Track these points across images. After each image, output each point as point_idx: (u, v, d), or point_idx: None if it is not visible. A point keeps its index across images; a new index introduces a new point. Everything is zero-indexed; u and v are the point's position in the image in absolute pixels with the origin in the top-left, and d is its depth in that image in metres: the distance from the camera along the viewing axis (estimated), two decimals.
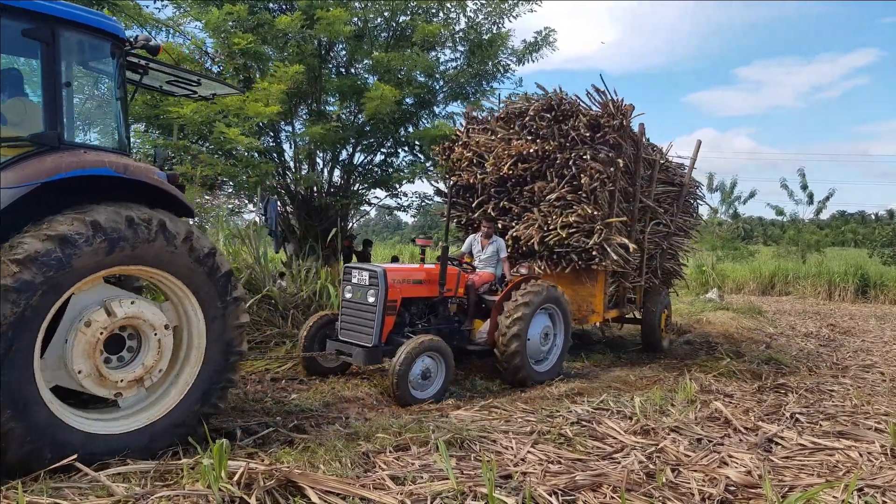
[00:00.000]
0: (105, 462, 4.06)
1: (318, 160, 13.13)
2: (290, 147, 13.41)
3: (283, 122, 13.00)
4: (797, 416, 6.36)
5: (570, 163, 8.84)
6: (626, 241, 8.98)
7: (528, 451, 4.80)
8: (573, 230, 8.77)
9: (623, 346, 11.43)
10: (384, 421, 5.52)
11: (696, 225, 12.71)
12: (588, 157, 8.73)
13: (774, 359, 9.66)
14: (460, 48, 13.07)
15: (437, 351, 6.75)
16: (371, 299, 7.01)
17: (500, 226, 9.32)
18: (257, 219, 12.89)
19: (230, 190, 13.39)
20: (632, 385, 7.80)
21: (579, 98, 9.24)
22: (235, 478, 3.65)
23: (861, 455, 5.15)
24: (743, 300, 20.39)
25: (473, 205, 9.69)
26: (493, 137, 9.54)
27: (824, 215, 36.46)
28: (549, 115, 9.11)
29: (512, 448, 4.88)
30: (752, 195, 33.99)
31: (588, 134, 8.83)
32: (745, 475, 4.53)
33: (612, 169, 8.74)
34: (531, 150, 9.00)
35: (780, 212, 34.32)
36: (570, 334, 8.45)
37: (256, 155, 12.64)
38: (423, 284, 7.50)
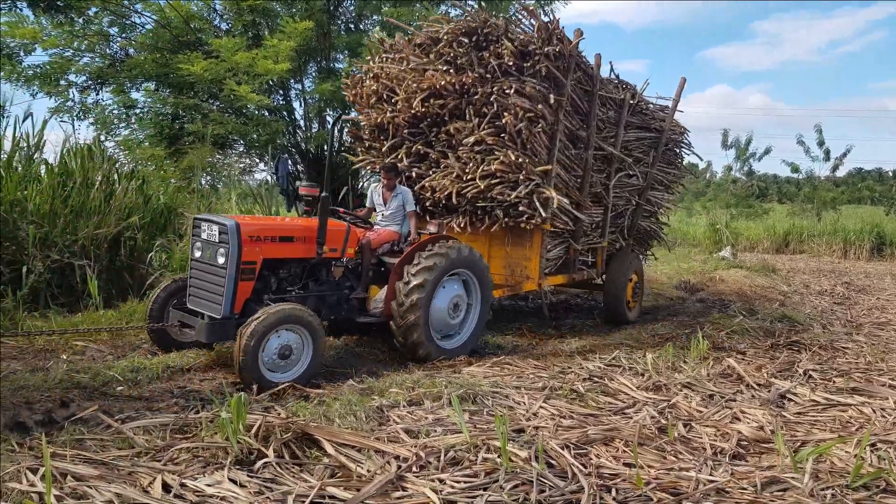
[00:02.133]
0: (128, 415, 4.14)
1: (328, 118, 13.04)
2: (300, 105, 13.33)
3: (292, 80, 12.89)
4: (810, 372, 6.37)
5: (491, 99, 7.35)
6: (556, 195, 7.40)
7: (541, 406, 4.84)
8: (495, 181, 7.38)
9: (582, 314, 10.34)
10: (397, 376, 5.58)
11: (681, 178, 11.04)
12: (512, 91, 7.25)
13: (788, 316, 9.63)
14: (470, 2, 12.83)
15: (298, 323, 5.37)
16: (221, 260, 5.59)
17: (414, 174, 7.98)
18: (269, 178, 12.89)
19: (241, 149, 13.37)
20: (643, 342, 7.81)
21: (513, 22, 7.76)
22: (253, 430, 3.72)
23: (874, 411, 5.16)
24: (756, 258, 20.28)
25: (383, 150, 8.26)
26: (405, 67, 7.97)
27: (840, 172, 35.95)
28: (466, 41, 7.53)
29: (524, 403, 4.93)
30: (767, 152, 33.45)
31: (514, 63, 7.28)
32: (758, 430, 4.56)
33: (540, 106, 7.22)
34: (443, 84, 7.51)
35: (795, 169, 33.82)
36: (488, 305, 7.16)
37: (267, 113, 12.57)
38: (294, 243, 6.03)
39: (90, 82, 12.94)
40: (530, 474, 3.50)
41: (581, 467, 3.69)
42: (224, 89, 10.90)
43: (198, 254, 5.88)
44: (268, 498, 3.16)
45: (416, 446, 3.86)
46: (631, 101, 8.87)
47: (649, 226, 10.37)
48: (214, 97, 12.39)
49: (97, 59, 12.83)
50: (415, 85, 7.73)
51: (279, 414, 4.23)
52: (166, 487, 3.16)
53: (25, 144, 7.91)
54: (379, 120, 8.14)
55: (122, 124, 12.99)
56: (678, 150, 10.50)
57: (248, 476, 3.35)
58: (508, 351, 7.31)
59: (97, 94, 13.07)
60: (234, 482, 3.27)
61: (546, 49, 7.19)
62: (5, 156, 7.60)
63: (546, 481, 3.48)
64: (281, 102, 13.19)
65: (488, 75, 7.39)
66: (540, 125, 7.28)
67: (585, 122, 8.17)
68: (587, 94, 8.13)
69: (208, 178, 12.28)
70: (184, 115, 12.55)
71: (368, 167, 8.70)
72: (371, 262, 6.79)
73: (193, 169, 10.96)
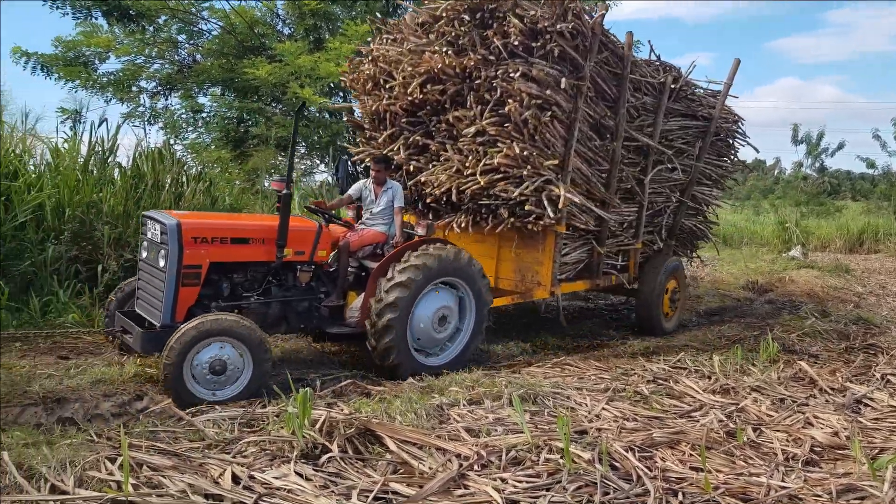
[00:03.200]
0: (198, 408, 4.29)
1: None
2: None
3: None
4: (888, 377, 6.08)
5: (494, 84, 6.44)
6: (567, 191, 6.43)
7: (603, 408, 4.77)
8: (498, 176, 6.50)
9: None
10: (457, 375, 5.58)
11: (733, 172, 9.88)
12: (517, 75, 6.30)
13: (863, 318, 9.21)
14: None
15: (233, 336, 4.70)
16: (162, 262, 5.03)
17: (412, 167, 7.18)
18: (329, 178, 13.10)
19: (303, 150, 13.64)
20: (710, 344, 7.60)
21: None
22: (317, 425, 3.79)
23: None
24: (828, 258, 19.49)
25: (380, 139, 7.50)
26: (403, 49, 7.10)
27: None
28: (468, 18, 6.64)
29: (586, 404, 4.87)
30: (840, 147, 32.27)
31: (521, 43, 6.38)
32: (832, 436, 4.38)
33: (549, 92, 6.28)
34: (440, 67, 6.65)
35: (871, 164, 32.39)
36: (483, 318, 6.28)
37: (328, 115, 12.78)
38: (250, 245, 5.37)
39: (160, 88, 13.45)
40: (594, 476, 3.45)
41: (646, 470, 3.63)
42: (287, 92, 11.16)
43: (144, 254, 5.39)
44: (332, 492, 3.21)
45: (477, 445, 3.86)
46: (673, 86, 7.84)
47: (695, 225, 9.32)
48: (278, 100, 12.70)
49: (166, 66, 13.34)
50: (411, 68, 6.90)
51: (342, 410, 4.30)
52: (235, 479, 3.25)
53: (100, 148, 8.26)
54: (375, 107, 7.36)
55: (190, 128, 13.47)
56: (731, 141, 9.35)
57: (313, 470, 3.41)
58: (569, 351, 7.23)
59: (166, 99, 13.58)
60: (301, 475, 3.33)
61: (559, 26, 6.26)
62: (82, 160, 7.94)
63: (610, 483, 3.43)
64: (342, 103, 13.42)
65: (492, 57, 6.52)
66: (551, 113, 6.40)
67: (614, 109, 7.22)
68: (616, 78, 7.17)
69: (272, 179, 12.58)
70: (248, 118, 12.91)
71: (367, 159, 7.78)
72: (351, 267, 6.08)
73: (257, 171, 11.24)
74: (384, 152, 7.24)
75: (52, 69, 12.67)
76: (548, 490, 3.33)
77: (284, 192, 5.48)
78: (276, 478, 3.28)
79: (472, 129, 6.58)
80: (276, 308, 5.62)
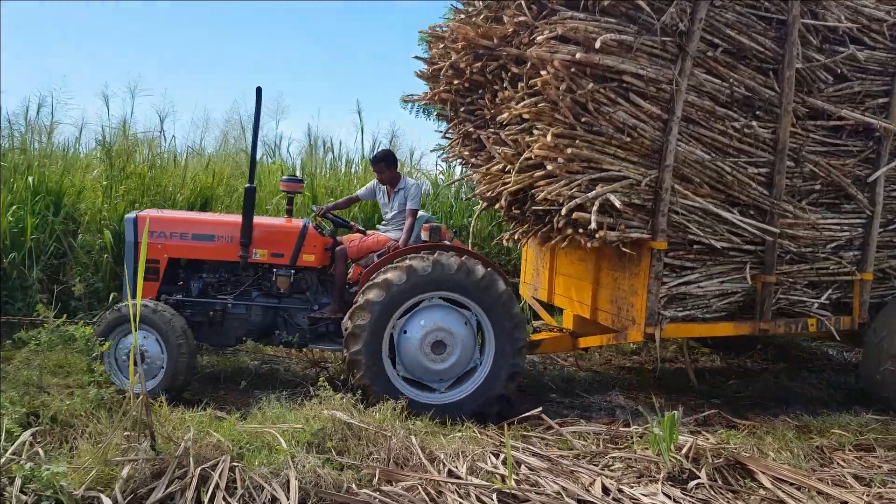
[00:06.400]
0: (564, 419, 4.60)
1: None
2: None
3: None
4: None
5: (528, 52, 4.72)
6: (617, 195, 4.59)
7: None
8: (540, 174, 4.81)
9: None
10: (840, 417, 5.01)
11: None
12: (544, 37, 4.55)
13: None
14: None
15: (148, 325, 4.68)
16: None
17: (470, 167, 6.01)
18: None
19: None
20: None
21: None
22: (683, 451, 3.75)
23: None
24: None
25: (443, 136, 6.40)
26: (467, 20, 5.55)
27: None
28: None
29: None
30: None
31: None
32: None
33: (599, 58, 4.44)
34: (472, 36, 5.25)
35: None
36: (512, 349, 4.89)
37: None
38: (214, 242, 5.19)
39: None
40: None
41: None
42: None
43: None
44: None
45: (868, 495, 3.46)
46: None
47: None
48: None
49: None
50: (454, 42, 5.57)
51: (707, 439, 4.18)
52: (605, 490, 3.40)
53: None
54: (434, 95, 6.04)
55: None
56: None
57: (681, 493, 3.40)
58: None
59: None
60: (669, 497, 3.35)
61: None
62: (454, 188, 9.00)
63: None
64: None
65: (536, 17, 4.82)
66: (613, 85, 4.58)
67: (777, 74, 5.02)
68: (769, 27, 4.97)
69: None
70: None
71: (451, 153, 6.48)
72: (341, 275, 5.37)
73: None
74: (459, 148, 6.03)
75: (431, 111, 14.65)
76: None
77: (248, 186, 5.20)
78: (645, 495, 3.35)
79: (506, 115, 5.07)
80: (257, 313, 5.31)
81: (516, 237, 5.91)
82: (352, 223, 5.71)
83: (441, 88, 5.87)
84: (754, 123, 4.97)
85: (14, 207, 6.74)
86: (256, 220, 5.25)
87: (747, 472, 3.70)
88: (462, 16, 5.62)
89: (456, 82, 5.64)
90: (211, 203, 7.73)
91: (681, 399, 5.48)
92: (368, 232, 5.65)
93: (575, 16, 4.49)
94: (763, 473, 3.62)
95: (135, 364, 4.15)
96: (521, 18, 4.84)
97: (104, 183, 7.48)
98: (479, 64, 5.35)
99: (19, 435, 3.32)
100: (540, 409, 4.59)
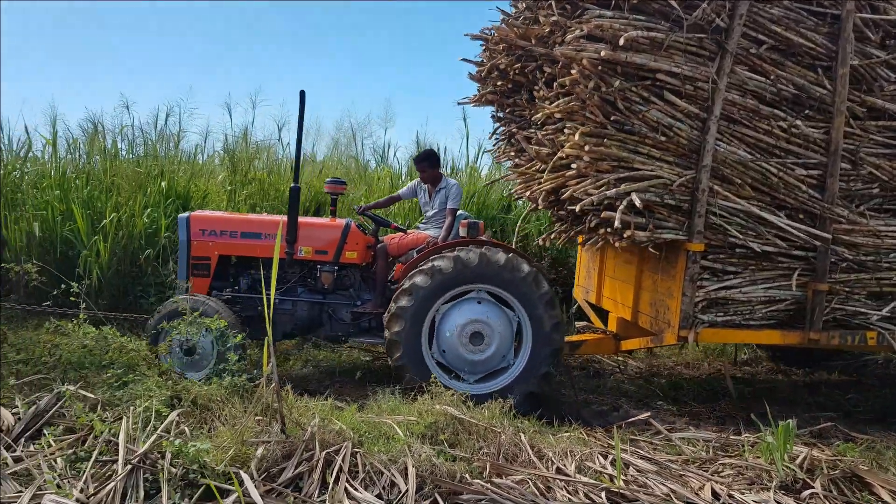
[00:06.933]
0: (672, 425, 4.60)
1: None
2: None
3: None
4: None
5: (556, 51, 4.73)
6: (643, 195, 4.49)
7: None
8: (571, 173, 4.78)
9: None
10: None
11: None
12: (572, 36, 4.54)
13: None
14: None
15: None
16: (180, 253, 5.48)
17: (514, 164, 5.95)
18: None
19: None
20: None
21: None
22: (797, 461, 3.69)
23: None
24: None
25: (490, 134, 6.31)
26: (510, 21, 5.53)
27: None
28: None
29: None
30: None
31: None
32: None
33: (627, 55, 4.38)
34: (510, 36, 5.30)
35: None
36: (546, 345, 5.01)
37: None
38: (261, 240, 5.38)
39: None
40: None
41: None
42: None
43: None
44: None
45: None
46: None
47: None
48: None
49: None
50: (496, 44, 5.58)
51: (822, 451, 4.09)
52: (715, 495, 3.40)
53: None
54: (481, 98, 6.06)
55: None
56: None
57: (794, 502, 3.36)
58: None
59: None
60: None
61: None
62: None
63: None
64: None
65: (559, 17, 4.78)
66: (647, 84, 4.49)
67: (829, 71, 4.75)
68: (822, 22, 4.72)
69: None
70: None
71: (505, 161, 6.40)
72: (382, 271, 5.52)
73: None
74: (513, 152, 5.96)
75: None
76: None
77: (293, 185, 5.36)
78: (756, 502, 3.33)
79: (539, 115, 5.12)
80: (303, 309, 5.50)
81: (552, 237, 5.90)
82: (391, 222, 5.93)
83: (487, 90, 5.92)
84: (800, 122, 4.73)
85: (149, 210, 7.33)
86: (301, 219, 5.49)
87: (865, 485, 3.60)
88: (508, 18, 5.61)
89: (500, 83, 5.70)
90: (324, 207, 8.14)
91: (794, 411, 5.34)
92: (408, 231, 5.84)
93: (603, 14, 4.47)
94: (882, 487, 3.51)
95: (188, 355, 4.85)
96: (555, 18, 4.80)
97: (228, 188, 8.03)
98: (518, 65, 5.38)
99: (167, 415, 3.68)
100: (648, 413, 4.61)
